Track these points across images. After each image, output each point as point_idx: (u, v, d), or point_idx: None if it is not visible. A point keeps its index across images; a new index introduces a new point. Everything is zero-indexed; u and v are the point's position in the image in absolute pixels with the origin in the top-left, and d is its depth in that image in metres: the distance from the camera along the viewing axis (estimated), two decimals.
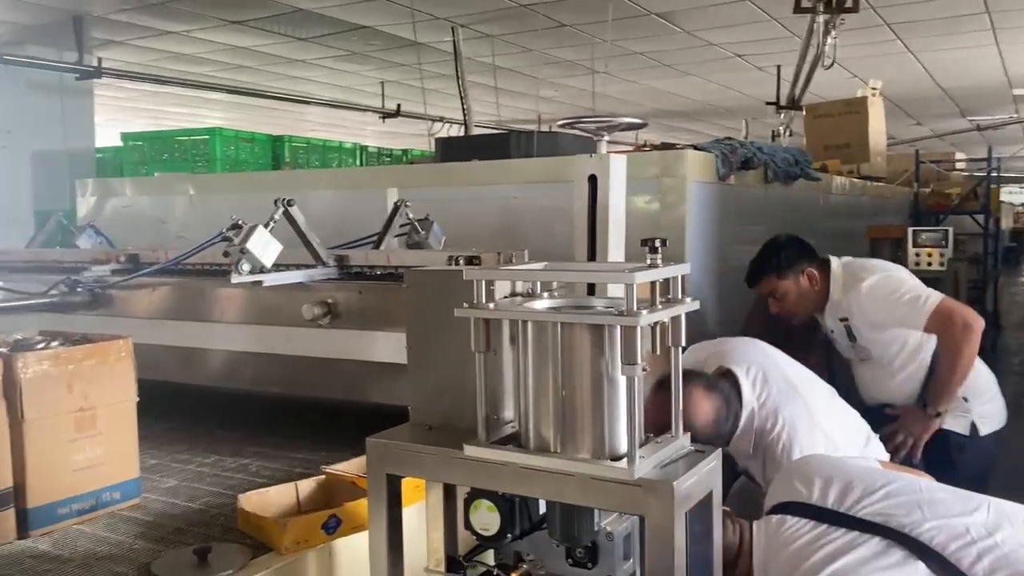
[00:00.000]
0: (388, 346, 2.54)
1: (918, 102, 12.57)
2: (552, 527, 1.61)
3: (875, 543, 1.89)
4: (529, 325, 1.52)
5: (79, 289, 3.18)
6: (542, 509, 1.65)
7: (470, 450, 1.55)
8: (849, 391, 3.27)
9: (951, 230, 5.92)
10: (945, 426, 3.26)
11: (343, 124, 13.68)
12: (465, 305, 1.54)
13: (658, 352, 1.50)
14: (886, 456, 2.82)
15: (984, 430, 3.32)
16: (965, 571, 1.82)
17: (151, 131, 10.62)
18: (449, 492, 1.82)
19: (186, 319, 3.07)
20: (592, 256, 2.29)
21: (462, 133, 8.37)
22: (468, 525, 1.65)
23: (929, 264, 5.74)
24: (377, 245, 3.26)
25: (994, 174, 8.66)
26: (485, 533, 1.63)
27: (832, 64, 6.25)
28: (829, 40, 6.13)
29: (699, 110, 13.49)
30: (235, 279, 2.65)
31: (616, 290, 1.50)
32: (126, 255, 3.46)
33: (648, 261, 1.49)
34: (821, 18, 5.99)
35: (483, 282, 1.54)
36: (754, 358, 2.75)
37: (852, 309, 3.31)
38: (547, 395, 1.51)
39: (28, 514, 2.10)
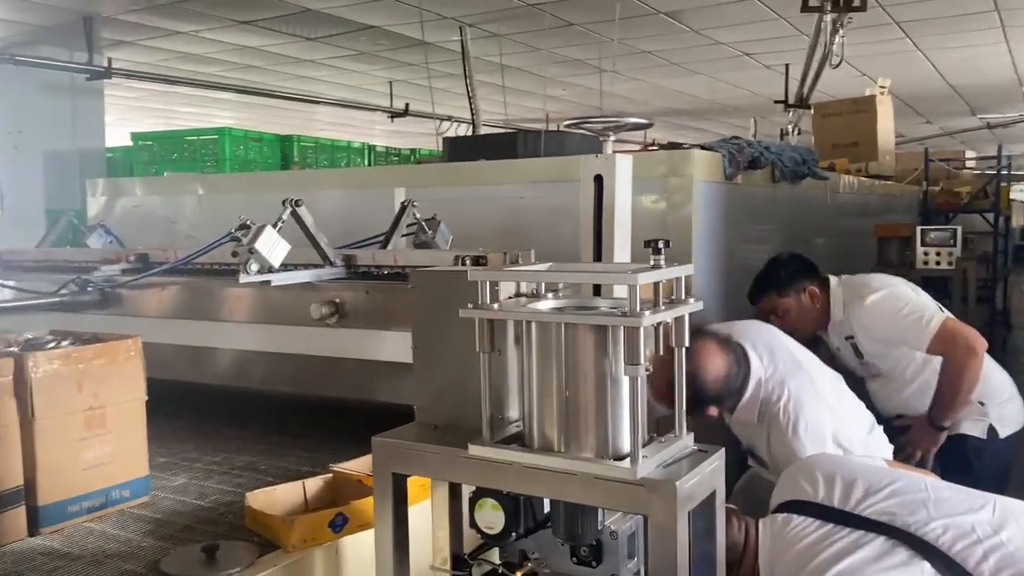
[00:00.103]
0: (395, 345, 2.55)
1: (928, 100, 12.51)
2: (556, 526, 1.62)
3: (880, 542, 1.89)
4: (533, 326, 1.53)
5: (89, 288, 3.20)
6: (547, 508, 1.66)
7: (475, 449, 1.56)
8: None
9: (959, 229, 5.89)
10: (962, 430, 3.25)
11: (352, 123, 13.70)
12: (470, 306, 1.55)
13: (661, 353, 1.50)
14: (889, 448, 2.83)
15: (1003, 432, 3.30)
16: (971, 570, 1.82)
17: (161, 131, 10.66)
18: (454, 491, 1.83)
19: (195, 318, 3.10)
20: (598, 256, 2.30)
21: (470, 132, 8.38)
22: (473, 523, 1.66)
23: (937, 263, 5.72)
24: (384, 245, 3.28)
25: (1004, 172, 8.60)
26: (490, 531, 1.64)
27: (840, 63, 6.24)
28: (837, 39, 6.11)
29: (707, 109, 13.46)
30: (243, 279, 2.67)
31: (621, 291, 1.51)
32: (136, 255, 3.49)
33: (651, 262, 1.50)
34: (828, 17, 5.98)
35: (487, 283, 1.55)
36: (761, 336, 2.80)
37: (855, 327, 3.31)
38: (551, 395, 1.52)
39: (38, 512, 2.13)
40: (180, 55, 9.20)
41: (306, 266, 2.93)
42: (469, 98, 7.93)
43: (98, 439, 2.24)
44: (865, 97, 7.62)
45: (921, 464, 3.18)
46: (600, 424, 1.50)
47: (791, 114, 8.35)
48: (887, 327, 3.24)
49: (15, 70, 7.67)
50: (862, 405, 2.88)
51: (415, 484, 1.78)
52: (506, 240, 3.36)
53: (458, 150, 4.80)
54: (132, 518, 2.25)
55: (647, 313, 1.42)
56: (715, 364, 2.54)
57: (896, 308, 3.24)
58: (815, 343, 3.53)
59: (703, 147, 3.76)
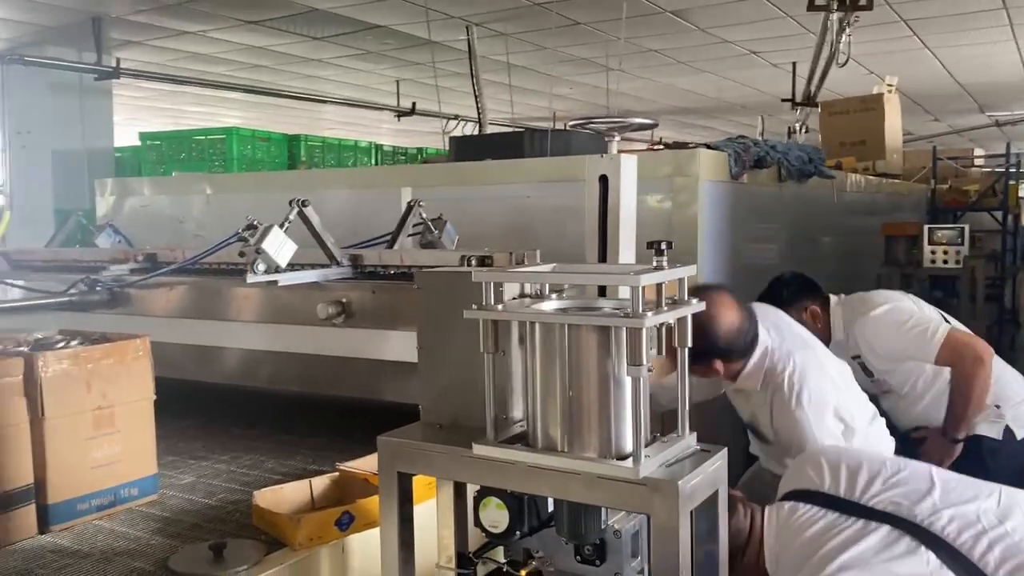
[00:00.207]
0: (401, 345, 2.56)
1: (936, 98, 12.46)
2: (560, 525, 1.64)
3: (885, 532, 1.89)
4: (536, 326, 1.54)
5: (98, 288, 3.22)
6: (551, 507, 1.67)
7: (479, 449, 1.57)
8: None
9: (967, 227, 5.88)
10: (978, 431, 3.24)
11: (359, 122, 13.73)
12: (474, 307, 1.56)
13: (663, 354, 1.51)
14: (891, 442, 2.83)
15: (1020, 433, 3.26)
16: (976, 561, 1.82)
17: (169, 131, 10.70)
18: (459, 490, 1.84)
19: (203, 318, 3.11)
20: (603, 257, 2.31)
21: (477, 131, 8.39)
22: (478, 522, 1.68)
23: (945, 262, 5.71)
24: (391, 245, 3.28)
25: (1013, 170, 8.56)
26: (494, 530, 1.66)
27: (847, 61, 6.23)
28: (844, 37, 6.10)
29: (715, 107, 13.44)
30: (251, 279, 2.69)
31: (625, 291, 1.52)
32: (144, 254, 3.51)
33: (654, 263, 1.51)
34: (835, 16, 5.97)
35: (491, 284, 1.56)
36: (768, 316, 2.82)
37: (861, 345, 3.29)
38: (554, 395, 1.53)
39: (48, 510, 2.15)
40: (188, 55, 9.23)
41: (313, 266, 2.95)
42: (476, 97, 7.94)
43: (107, 438, 2.26)
44: (872, 95, 7.61)
45: None
46: (603, 424, 1.51)
47: (798, 112, 8.34)
48: (892, 342, 3.24)
49: (24, 70, 7.72)
50: (866, 397, 2.88)
51: (420, 483, 1.79)
52: (512, 240, 3.37)
53: (464, 149, 4.81)
54: (141, 516, 2.27)
55: (649, 314, 1.43)
56: (729, 316, 2.55)
57: (900, 322, 3.23)
58: None
59: (708, 146, 3.76)
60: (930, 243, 5.72)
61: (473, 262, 2.68)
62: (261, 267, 2.68)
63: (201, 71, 9.86)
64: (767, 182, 4.18)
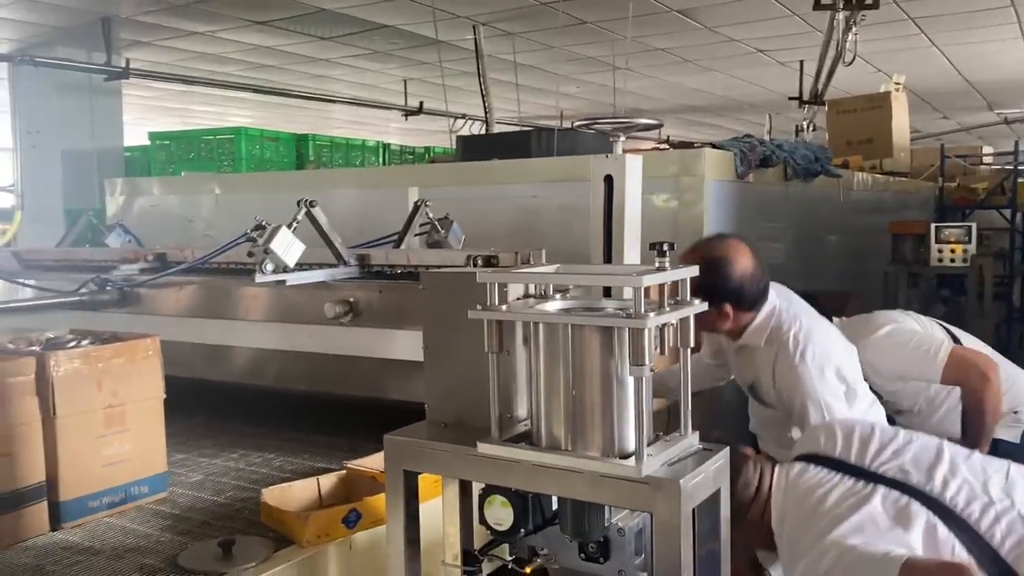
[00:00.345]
0: (407, 344, 2.58)
1: (944, 96, 12.42)
2: (564, 523, 1.65)
3: (894, 498, 1.90)
4: (540, 327, 1.56)
5: (108, 288, 3.25)
6: (555, 505, 1.69)
7: (484, 448, 1.59)
8: None
9: (975, 225, 5.86)
10: (995, 435, 3.23)
11: (367, 122, 13.75)
12: (479, 307, 1.58)
13: (666, 354, 1.53)
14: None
15: None
16: (982, 532, 1.84)
17: (178, 130, 10.74)
18: (465, 488, 1.86)
19: (212, 317, 3.14)
20: (609, 257, 2.32)
21: (484, 130, 8.41)
22: (483, 520, 1.69)
23: (952, 260, 5.69)
24: (397, 244, 3.31)
25: (1021, 168, 8.53)
26: (499, 528, 1.67)
27: (853, 60, 6.23)
28: (850, 36, 6.10)
29: (722, 105, 13.42)
30: (259, 278, 2.72)
31: (630, 292, 1.53)
32: (154, 254, 3.54)
33: (656, 264, 1.53)
34: (841, 14, 5.97)
35: (496, 284, 1.58)
36: (777, 288, 2.81)
37: (865, 367, 3.28)
38: (558, 395, 1.54)
39: (60, 507, 2.18)
40: (197, 55, 9.27)
41: (320, 265, 2.97)
42: (483, 96, 7.96)
43: (117, 436, 2.29)
44: (880, 93, 7.59)
45: None
46: (606, 423, 1.52)
47: (806, 110, 8.32)
48: (896, 362, 3.21)
49: (34, 71, 7.76)
50: (867, 386, 2.88)
51: (426, 481, 1.81)
52: (518, 239, 3.39)
53: (471, 149, 4.84)
54: (150, 513, 2.30)
55: (652, 315, 1.44)
56: (744, 260, 2.57)
57: (903, 342, 3.21)
58: None
59: (714, 146, 3.78)
60: (937, 241, 5.71)
61: (479, 262, 2.70)
62: (269, 267, 2.70)
63: (210, 71, 9.90)
64: (773, 181, 4.19)
